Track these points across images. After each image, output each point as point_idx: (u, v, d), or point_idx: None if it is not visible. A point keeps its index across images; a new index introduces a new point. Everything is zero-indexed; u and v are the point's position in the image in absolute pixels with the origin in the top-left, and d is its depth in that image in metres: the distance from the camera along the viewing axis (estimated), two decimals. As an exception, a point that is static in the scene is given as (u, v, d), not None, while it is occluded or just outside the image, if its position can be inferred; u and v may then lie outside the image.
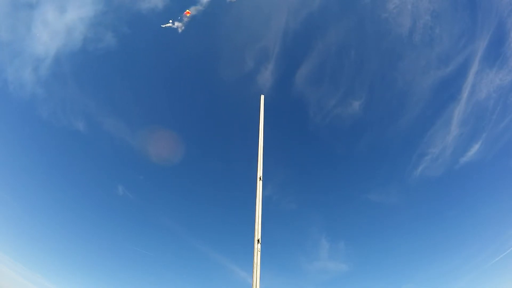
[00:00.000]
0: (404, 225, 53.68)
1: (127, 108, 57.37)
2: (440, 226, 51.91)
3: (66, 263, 46.58)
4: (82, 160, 54.75)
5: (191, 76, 57.91)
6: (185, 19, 43.20)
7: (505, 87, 47.70)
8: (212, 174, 60.25)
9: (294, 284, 48.63)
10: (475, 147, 49.71)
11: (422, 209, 54.33)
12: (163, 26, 42.63)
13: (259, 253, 6.30)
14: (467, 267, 45.80)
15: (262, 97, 9.78)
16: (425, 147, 53.37)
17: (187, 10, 42.75)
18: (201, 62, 56.42)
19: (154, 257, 50.32)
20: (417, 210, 54.10)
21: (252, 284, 5.90)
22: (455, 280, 45.18)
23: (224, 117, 59.62)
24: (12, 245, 43.18)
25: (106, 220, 53.05)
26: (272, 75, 54.89)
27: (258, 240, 6.48)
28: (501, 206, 46.61)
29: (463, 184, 51.80)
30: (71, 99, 51.03)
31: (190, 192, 58.29)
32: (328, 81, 57.16)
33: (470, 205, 50.47)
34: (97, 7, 46.47)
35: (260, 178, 7.61)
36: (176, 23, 43.37)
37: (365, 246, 53.89)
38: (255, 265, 6.11)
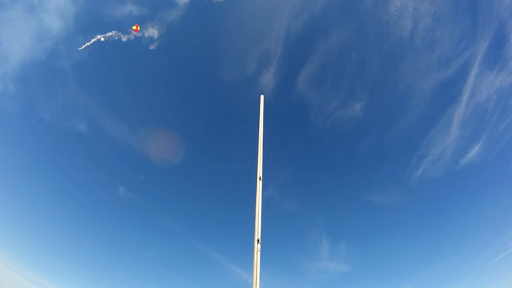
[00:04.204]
0: (404, 226, 53.75)
1: (128, 109, 57.57)
2: (440, 227, 52.00)
3: (66, 263, 46.61)
4: (83, 161, 54.98)
5: (192, 78, 58.07)
6: (132, 36, 41.06)
7: (505, 89, 47.85)
8: (213, 174, 60.38)
9: (294, 284, 48.67)
10: (475, 149, 49.88)
11: (423, 209, 54.41)
12: (79, 49, 40.07)
13: (259, 253, 6.30)
14: (467, 267, 45.87)
15: (262, 97, 9.74)
16: (425, 149, 53.55)
17: (136, 26, 40.56)
18: (202, 64, 56.63)
19: (155, 257, 50.33)
20: (417, 211, 54.18)
21: (252, 284, 5.90)
22: (455, 280, 45.21)
23: (225, 118, 59.75)
24: (12, 245, 43.19)
25: (106, 221, 53.17)
26: (274, 77, 55.08)
27: (258, 240, 6.47)
28: (501, 207, 46.70)
29: (463, 185, 51.91)
30: (73, 101, 51.23)
31: (191, 192, 58.43)
32: (329, 83, 57.39)
33: (470, 206, 50.56)
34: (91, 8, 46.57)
35: (260, 178, 7.61)
36: (149, 34, 41.39)
37: (365, 246, 54.01)
38: (255, 265, 6.11)
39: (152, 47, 44.27)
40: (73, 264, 47.40)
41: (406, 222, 54.12)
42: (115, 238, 51.45)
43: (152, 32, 42.84)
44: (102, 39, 39.46)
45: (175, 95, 58.20)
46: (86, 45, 39.67)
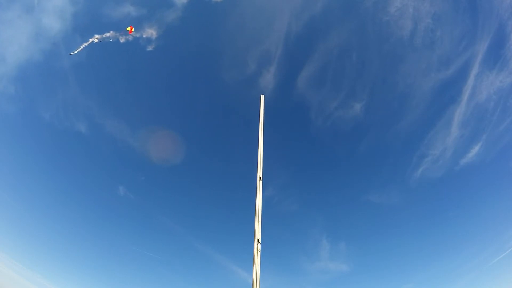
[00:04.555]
0: (405, 226, 53.82)
1: (128, 109, 57.61)
2: (440, 227, 52.06)
3: (66, 263, 46.67)
4: (83, 161, 55.04)
5: (192, 78, 58.11)
6: (129, 36, 40.76)
7: (505, 89, 47.93)
8: (213, 174, 60.41)
9: (294, 284, 48.73)
10: (475, 149, 49.97)
11: (423, 209, 54.49)
12: (72, 53, 39.89)
13: (259, 253, 6.28)
14: (467, 267, 45.96)
15: (262, 97, 9.74)
16: (425, 149, 53.63)
17: (130, 27, 40.36)
18: (202, 64, 56.64)
19: (155, 257, 50.35)
20: (417, 211, 54.24)
21: (252, 284, 5.89)
22: (455, 280, 45.26)
23: (225, 118, 59.78)
24: (12, 245, 43.20)
25: (106, 221, 53.25)
26: (274, 77, 55.17)
27: (258, 240, 6.46)
28: (501, 207, 46.75)
29: (463, 185, 51.98)
30: (73, 101, 51.25)
31: (191, 192, 58.50)
32: (329, 84, 57.51)
33: (470, 206, 50.62)
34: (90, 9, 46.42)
35: (260, 178, 7.60)
36: (150, 36, 40.95)
37: (365, 246, 54.09)
38: (255, 265, 6.10)
39: (150, 48, 44.31)
40: (73, 264, 47.49)
41: (406, 222, 54.24)
42: (115, 238, 51.54)
43: (151, 32, 42.84)
44: (96, 40, 39.50)
45: (175, 95, 58.29)
46: (80, 48, 39.72)
